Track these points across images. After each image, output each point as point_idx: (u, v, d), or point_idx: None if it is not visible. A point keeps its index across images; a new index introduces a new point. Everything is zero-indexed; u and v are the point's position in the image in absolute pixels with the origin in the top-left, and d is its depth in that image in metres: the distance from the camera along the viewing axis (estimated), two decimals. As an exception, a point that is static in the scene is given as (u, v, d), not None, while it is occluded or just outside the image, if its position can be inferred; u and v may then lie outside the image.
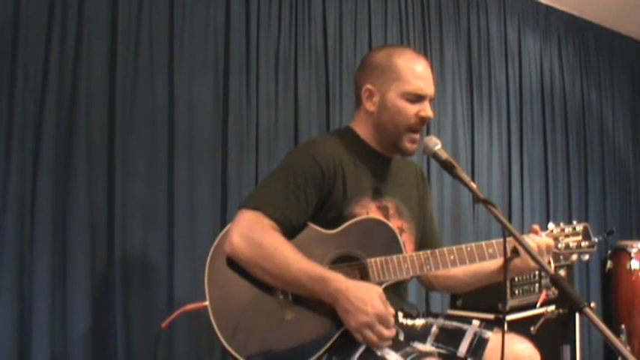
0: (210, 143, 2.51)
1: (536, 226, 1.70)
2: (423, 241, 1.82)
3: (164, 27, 2.41)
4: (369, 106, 1.69)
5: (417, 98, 1.66)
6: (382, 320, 1.44)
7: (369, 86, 1.69)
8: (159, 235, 2.34)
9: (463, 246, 1.63)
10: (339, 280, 1.46)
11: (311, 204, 1.59)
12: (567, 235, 1.72)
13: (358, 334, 1.45)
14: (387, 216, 1.68)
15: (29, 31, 2.09)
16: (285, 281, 1.49)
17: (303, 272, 1.47)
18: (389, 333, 1.45)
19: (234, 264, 1.52)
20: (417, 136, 1.69)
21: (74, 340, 2.10)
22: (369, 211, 1.65)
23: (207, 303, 1.51)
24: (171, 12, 2.43)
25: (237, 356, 1.46)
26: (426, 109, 1.68)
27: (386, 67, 1.68)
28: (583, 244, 1.71)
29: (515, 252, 1.63)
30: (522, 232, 1.59)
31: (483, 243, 1.63)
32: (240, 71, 2.61)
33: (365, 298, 1.44)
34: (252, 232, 1.50)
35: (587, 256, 1.73)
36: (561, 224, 1.73)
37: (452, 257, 1.62)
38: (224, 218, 2.49)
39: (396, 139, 1.68)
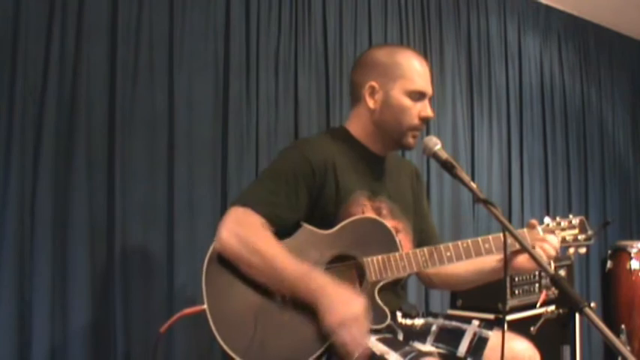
0: (210, 143, 2.51)
1: (533, 221, 1.70)
2: (421, 240, 1.81)
3: (164, 27, 2.41)
4: (371, 103, 1.69)
5: (419, 96, 1.68)
6: (358, 323, 1.40)
7: (372, 83, 1.69)
8: (159, 235, 2.34)
9: (459, 242, 1.63)
10: (324, 279, 1.45)
11: (302, 202, 1.59)
12: (564, 229, 1.72)
13: (335, 332, 1.39)
14: (380, 216, 1.68)
15: (29, 31, 2.09)
16: (270, 277, 1.48)
17: (288, 270, 1.46)
18: (361, 338, 1.40)
19: (227, 262, 1.52)
20: (418, 132, 1.72)
21: (74, 340, 2.10)
22: (364, 209, 1.65)
23: (205, 306, 1.50)
24: (171, 12, 2.43)
25: (237, 358, 1.46)
26: (427, 109, 1.69)
27: (389, 64, 1.68)
28: (580, 237, 1.71)
29: (515, 251, 1.63)
30: (522, 232, 1.59)
31: (479, 238, 1.64)
32: (240, 71, 2.61)
33: (346, 299, 1.42)
34: (240, 228, 1.50)
35: (584, 249, 1.73)
36: (557, 218, 1.73)
37: (448, 254, 1.62)
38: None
39: (399, 136, 1.69)
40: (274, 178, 1.59)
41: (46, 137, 2.10)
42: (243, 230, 1.49)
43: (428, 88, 1.70)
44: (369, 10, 3.11)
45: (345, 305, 1.41)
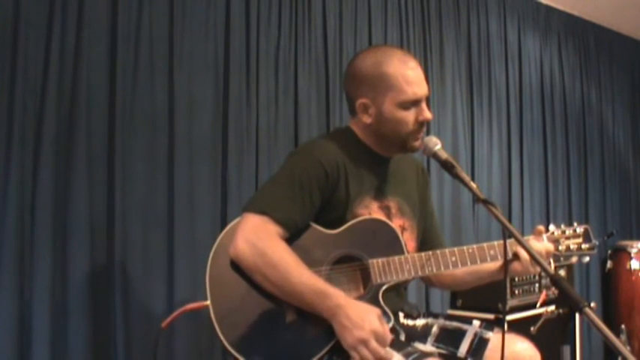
0: (210, 143, 2.51)
1: (540, 227, 1.71)
2: (425, 238, 1.82)
3: (164, 27, 2.41)
4: (366, 119, 1.66)
5: (413, 104, 1.63)
6: (378, 338, 1.40)
7: (362, 100, 1.65)
8: (159, 235, 2.34)
9: (465, 247, 1.62)
10: (339, 296, 1.45)
11: (315, 206, 1.58)
12: (568, 238, 1.72)
13: (354, 351, 1.40)
14: (389, 215, 1.68)
15: (29, 31, 2.09)
16: (285, 292, 1.48)
17: (305, 285, 1.45)
18: (385, 353, 1.40)
19: (237, 266, 1.51)
20: (420, 134, 1.68)
21: (74, 340, 2.10)
22: (371, 211, 1.64)
23: (208, 302, 1.51)
24: (171, 12, 2.43)
25: (238, 356, 1.46)
26: (424, 113, 1.64)
27: (376, 77, 1.63)
28: (583, 246, 1.72)
29: (515, 255, 1.63)
30: (522, 232, 1.59)
31: (485, 244, 1.63)
32: (240, 71, 2.61)
33: (363, 315, 1.42)
34: (258, 239, 1.48)
35: (587, 258, 1.74)
36: (562, 226, 1.74)
37: (453, 259, 1.61)
38: (224, 218, 2.49)
39: (402, 144, 1.67)
40: (289, 183, 1.57)
41: (46, 137, 2.10)
42: (261, 241, 1.48)
43: (421, 92, 1.63)
44: (369, 10, 3.11)
45: (362, 322, 1.40)
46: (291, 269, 1.46)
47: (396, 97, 1.62)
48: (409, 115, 1.63)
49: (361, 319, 1.41)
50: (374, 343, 1.39)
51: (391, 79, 1.62)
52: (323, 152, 1.62)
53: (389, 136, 1.67)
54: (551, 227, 1.74)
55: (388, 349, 1.45)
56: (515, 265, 1.65)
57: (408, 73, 1.63)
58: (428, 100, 1.68)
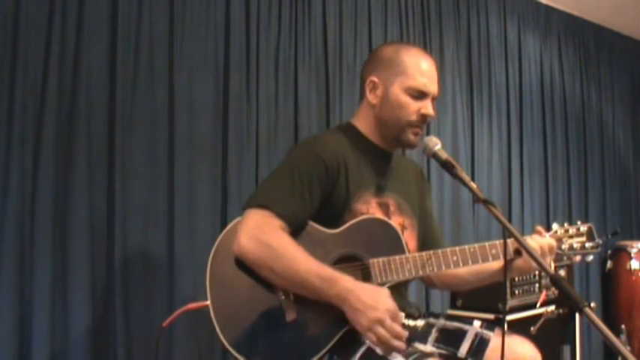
0: (210, 143, 2.51)
1: (539, 227, 1.70)
2: (425, 239, 1.82)
3: (164, 27, 2.41)
4: (372, 98, 1.69)
5: (420, 95, 1.66)
6: (393, 316, 1.40)
7: (373, 78, 1.69)
8: (159, 235, 2.34)
9: (466, 247, 1.62)
10: (348, 280, 1.45)
11: (316, 200, 1.58)
12: (571, 236, 1.71)
13: (370, 333, 1.40)
14: (387, 212, 1.68)
15: (29, 31, 2.09)
16: (293, 282, 1.48)
17: (312, 273, 1.45)
18: (401, 330, 1.40)
19: (242, 264, 1.51)
20: (419, 129, 1.69)
21: (74, 341, 2.10)
22: (370, 207, 1.64)
23: (208, 302, 1.50)
24: (171, 12, 2.43)
25: (238, 356, 1.46)
26: (428, 107, 1.67)
27: (392, 60, 1.68)
28: (587, 244, 1.70)
29: (518, 253, 1.63)
30: (522, 232, 1.59)
31: (487, 244, 1.63)
32: (240, 71, 2.61)
33: (374, 296, 1.42)
34: (261, 233, 1.48)
35: (590, 257, 1.72)
36: (565, 225, 1.72)
37: (455, 258, 1.61)
38: (224, 218, 2.49)
39: (398, 133, 1.68)
40: (289, 178, 1.57)
41: (46, 137, 2.10)
42: (264, 235, 1.48)
43: (430, 88, 1.68)
44: (369, 10, 3.11)
45: (376, 302, 1.40)
46: (298, 259, 1.46)
47: (406, 82, 1.66)
48: (413, 104, 1.66)
49: (374, 299, 1.41)
50: (389, 321, 1.39)
51: (406, 65, 1.67)
52: (323, 147, 1.63)
53: (388, 123, 1.68)
54: (554, 226, 1.72)
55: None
56: (519, 263, 1.65)
57: (422, 65, 1.69)
58: (433, 102, 1.70)
